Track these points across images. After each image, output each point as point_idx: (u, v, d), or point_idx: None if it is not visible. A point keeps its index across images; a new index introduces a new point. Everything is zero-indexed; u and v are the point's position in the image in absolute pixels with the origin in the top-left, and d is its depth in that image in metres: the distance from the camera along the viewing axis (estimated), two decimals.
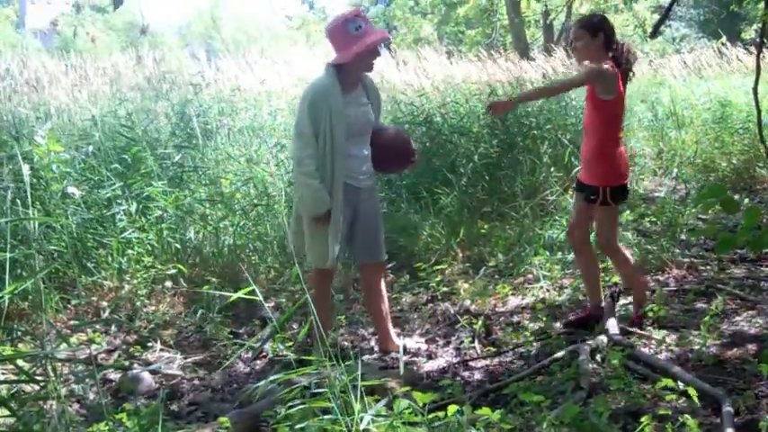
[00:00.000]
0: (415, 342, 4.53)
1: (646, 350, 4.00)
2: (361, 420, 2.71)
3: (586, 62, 4.30)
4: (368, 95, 4.27)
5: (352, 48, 4.02)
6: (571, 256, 5.63)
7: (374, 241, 4.35)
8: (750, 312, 4.50)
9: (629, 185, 4.50)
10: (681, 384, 3.37)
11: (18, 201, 5.04)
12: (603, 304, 4.49)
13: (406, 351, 4.29)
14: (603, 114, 4.22)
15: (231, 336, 4.82)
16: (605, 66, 4.15)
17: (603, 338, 4.10)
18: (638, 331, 4.27)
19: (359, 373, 2.83)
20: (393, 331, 4.52)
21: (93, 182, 5.93)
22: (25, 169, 4.54)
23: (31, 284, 4.75)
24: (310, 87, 4.20)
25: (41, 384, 3.02)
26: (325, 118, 4.02)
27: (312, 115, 4.04)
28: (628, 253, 4.60)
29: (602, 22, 4.31)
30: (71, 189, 5.34)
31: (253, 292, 2.83)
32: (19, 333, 4.59)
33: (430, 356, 4.38)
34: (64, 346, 4.09)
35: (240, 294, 2.90)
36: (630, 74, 4.36)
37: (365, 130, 4.22)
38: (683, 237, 6.00)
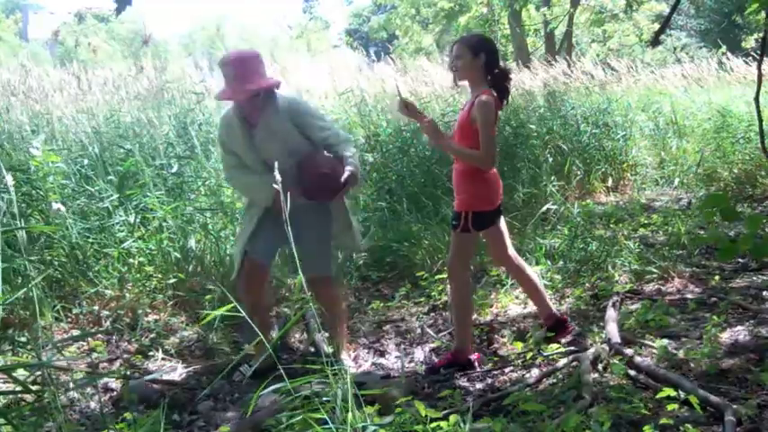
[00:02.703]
0: (351, 361, 4.49)
1: (647, 359, 3.99)
2: (364, 431, 2.71)
3: (465, 82, 4.23)
4: (276, 123, 4.15)
5: (222, 91, 4.19)
6: (573, 266, 5.64)
7: (310, 255, 4.14)
8: (752, 322, 4.49)
9: (500, 209, 4.32)
10: (682, 394, 3.37)
11: (16, 211, 5.06)
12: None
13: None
14: (476, 143, 4.07)
15: (233, 344, 4.81)
16: (484, 97, 4.02)
17: (605, 347, 4.10)
18: (641, 340, 4.27)
19: (347, 381, 2.81)
20: (345, 345, 4.50)
21: (89, 193, 5.93)
22: (9, 179, 4.57)
23: (30, 293, 4.77)
24: (221, 118, 4.38)
25: (38, 394, 3.02)
26: (234, 149, 4.24)
27: (225, 147, 4.31)
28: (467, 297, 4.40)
29: (485, 43, 4.17)
30: (56, 206, 5.31)
31: (236, 309, 2.82)
32: (19, 342, 4.60)
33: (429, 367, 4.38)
34: (67, 354, 4.10)
35: (221, 312, 2.90)
36: (505, 101, 4.20)
37: (273, 158, 4.02)
38: (684, 246, 5.99)
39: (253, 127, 4.17)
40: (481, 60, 4.08)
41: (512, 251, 4.45)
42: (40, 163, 5.42)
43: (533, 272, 4.61)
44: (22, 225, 5.06)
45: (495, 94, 4.11)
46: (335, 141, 4.20)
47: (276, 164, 3.23)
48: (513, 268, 4.52)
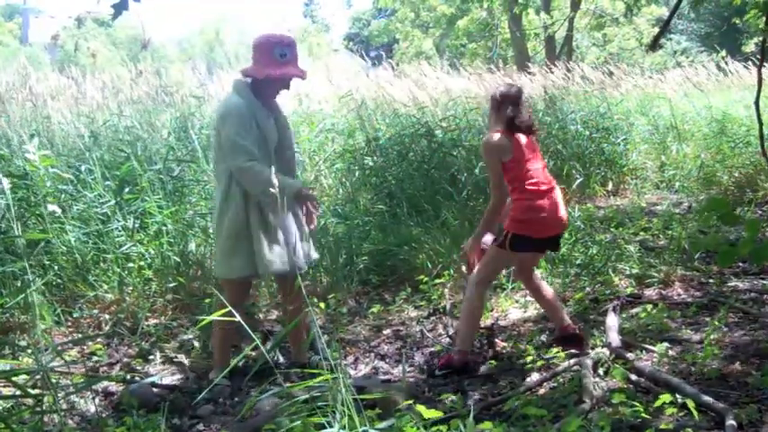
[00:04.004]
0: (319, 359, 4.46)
1: (648, 363, 3.99)
2: None
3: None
4: (276, 117, 4.29)
5: (266, 69, 4.13)
6: (573, 271, 5.64)
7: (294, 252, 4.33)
8: (752, 326, 4.49)
9: (547, 243, 4.40)
10: (683, 398, 3.37)
11: (14, 215, 5.07)
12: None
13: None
14: (506, 172, 4.28)
15: (233, 349, 4.81)
16: (494, 137, 4.27)
17: (606, 351, 4.09)
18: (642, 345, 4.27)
19: (342, 385, 2.80)
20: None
21: (88, 198, 5.93)
22: (5, 182, 4.58)
23: (29, 298, 4.78)
24: (234, 104, 4.17)
25: (37, 399, 3.02)
26: (255, 132, 4.10)
27: (247, 130, 4.08)
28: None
29: (505, 95, 4.37)
30: (51, 207, 5.33)
31: (231, 315, 2.83)
32: (18, 346, 4.60)
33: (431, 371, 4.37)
34: (67, 358, 4.10)
35: (215, 317, 2.89)
36: (533, 131, 4.39)
37: (286, 144, 4.32)
38: (685, 250, 5.98)
39: (270, 112, 4.25)
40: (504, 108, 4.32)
41: (533, 276, 4.55)
42: (35, 167, 5.43)
43: (550, 290, 4.61)
44: (20, 229, 5.07)
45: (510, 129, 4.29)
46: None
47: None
48: (531, 289, 4.62)
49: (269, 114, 4.21)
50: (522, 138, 4.28)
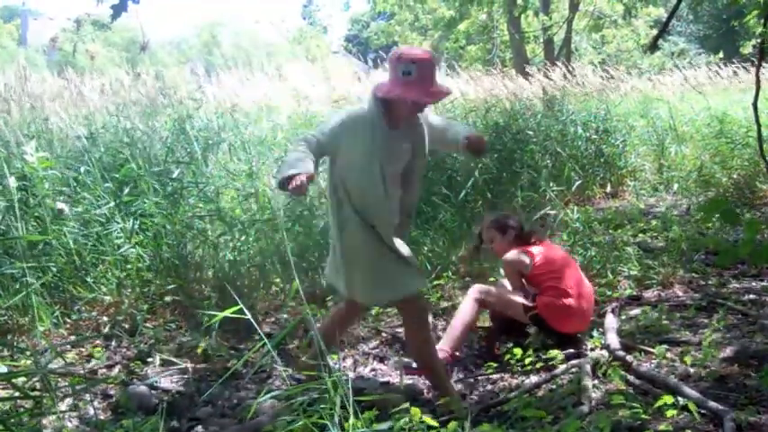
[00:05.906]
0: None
1: (647, 365, 3.99)
2: None
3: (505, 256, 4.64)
4: (410, 137, 3.86)
5: (386, 86, 3.72)
6: None
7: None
8: (751, 327, 4.49)
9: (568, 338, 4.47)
10: (682, 399, 3.37)
11: (14, 216, 5.06)
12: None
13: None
14: (532, 280, 4.54)
15: (232, 351, 4.80)
16: (509, 257, 4.58)
17: (605, 353, 4.09)
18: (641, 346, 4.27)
19: (341, 387, 2.79)
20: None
21: (87, 199, 5.92)
22: (12, 181, 4.55)
23: (27, 299, 4.77)
24: (354, 113, 3.84)
25: (36, 400, 3.02)
26: (363, 147, 3.71)
27: (342, 137, 3.72)
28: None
29: (510, 221, 4.77)
30: (60, 205, 5.33)
31: (242, 312, 2.82)
32: (17, 348, 4.59)
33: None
34: (66, 360, 4.09)
35: (227, 313, 2.89)
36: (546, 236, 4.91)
37: (397, 170, 3.86)
38: (684, 252, 5.99)
39: (393, 129, 3.80)
40: (510, 236, 4.69)
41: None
42: (34, 169, 5.42)
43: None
44: (19, 231, 5.07)
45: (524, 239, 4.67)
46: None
47: None
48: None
49: (392, 135, 3.77)
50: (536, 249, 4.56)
